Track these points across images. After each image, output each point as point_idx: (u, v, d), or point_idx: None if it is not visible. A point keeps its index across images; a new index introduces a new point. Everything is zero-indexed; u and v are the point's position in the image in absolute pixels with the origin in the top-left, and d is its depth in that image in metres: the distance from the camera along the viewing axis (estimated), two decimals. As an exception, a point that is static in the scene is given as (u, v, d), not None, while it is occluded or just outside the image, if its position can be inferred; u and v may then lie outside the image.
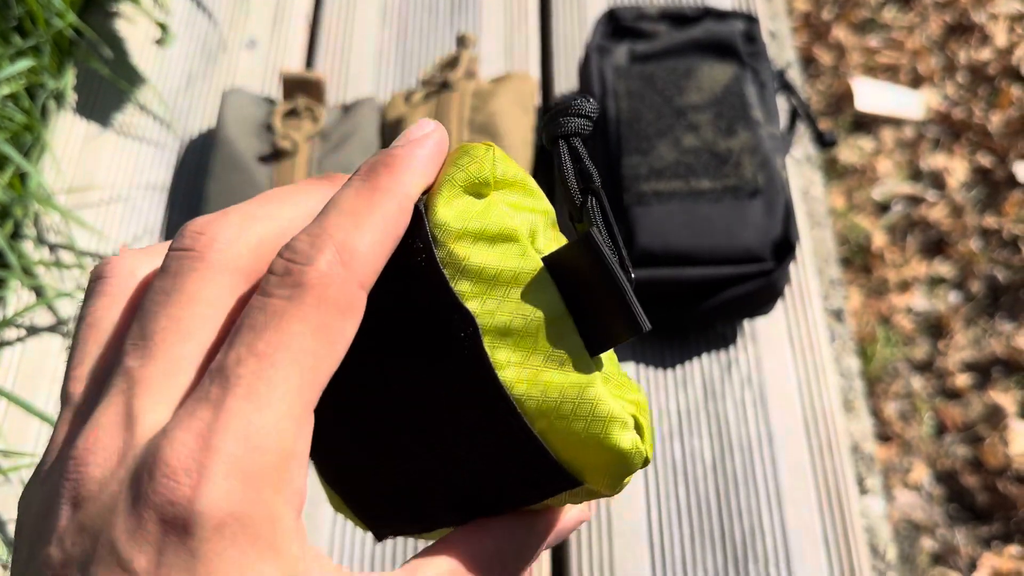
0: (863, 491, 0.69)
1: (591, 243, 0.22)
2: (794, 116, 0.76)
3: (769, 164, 0.67)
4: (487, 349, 0.22)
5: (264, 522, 0.18)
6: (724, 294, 0.66)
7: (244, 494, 0.18)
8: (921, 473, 1.18)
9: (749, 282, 0.66)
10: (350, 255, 0.20)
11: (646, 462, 0.23)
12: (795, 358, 0.70)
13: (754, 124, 0.68)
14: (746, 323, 0.71)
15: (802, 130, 0.87)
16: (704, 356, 0.70)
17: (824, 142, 0.76)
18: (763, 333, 0.71)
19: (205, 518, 0.17)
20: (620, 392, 0.24)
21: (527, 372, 0.22)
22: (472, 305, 0.22)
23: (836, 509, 0.64)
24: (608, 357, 0.24)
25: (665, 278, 0.66)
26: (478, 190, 0.23)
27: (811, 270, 0.74)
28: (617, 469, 0.23)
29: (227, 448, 0.18)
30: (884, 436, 1.19)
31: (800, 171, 0.84)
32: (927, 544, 1.13)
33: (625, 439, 0.22)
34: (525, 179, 0.24)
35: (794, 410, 0.68)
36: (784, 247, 0.65)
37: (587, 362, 0.23)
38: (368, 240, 0.20)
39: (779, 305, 0.71)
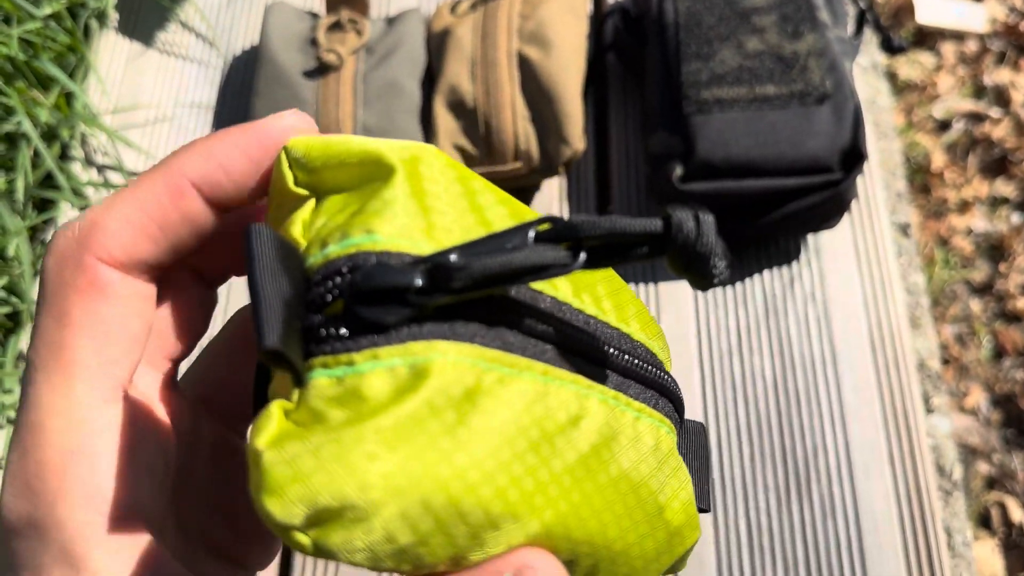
0: (929, 410, 0.67)
1: (247, 238, 0.17)
2: (861, 20, 0.72)
3: (837, 68, 0.64)
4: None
5: (49, 527, 0.18)
6: (788, 207, 0.63)
7: (25, 498, 0.18)
8: (978, 397, 1.16)
9: (815, 194, 0.63)
10: (91, 229, 0.19)
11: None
12: (861, 273, 0.67)
13: (821, 26, 0.65)
14: (810, 237, 0.69)
15: (868, 36, 0.82)
16: (765, 272, 0.68)
17: (893, 48, 0.72)
18: (827, 247, 0.68)
19: (4, 520, 0.18)
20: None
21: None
22: None
23: (902, 427, 0.62)
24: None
25: (726, 190, 0.63)
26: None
27: (878, 182, 0.71)
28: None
29: (11, 455, 0.19)
30: (941, 359, 1.16)
31: (866, 80, 0.80)
32: (983, 468, 1.12)
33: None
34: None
35: (859, 327, 0.66)
36: (853, 156, 0.62)
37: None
38: (116, 216, 0.19)
39: (844, 218, 0.68)
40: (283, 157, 0.19)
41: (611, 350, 0.21)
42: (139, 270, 0.20)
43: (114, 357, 0.19)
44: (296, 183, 0.19)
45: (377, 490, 0.16)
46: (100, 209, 0.19)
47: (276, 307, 0.17)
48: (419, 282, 0.17)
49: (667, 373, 0.23)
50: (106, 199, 0.20)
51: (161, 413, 0.21)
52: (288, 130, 0.20)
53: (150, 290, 0.20)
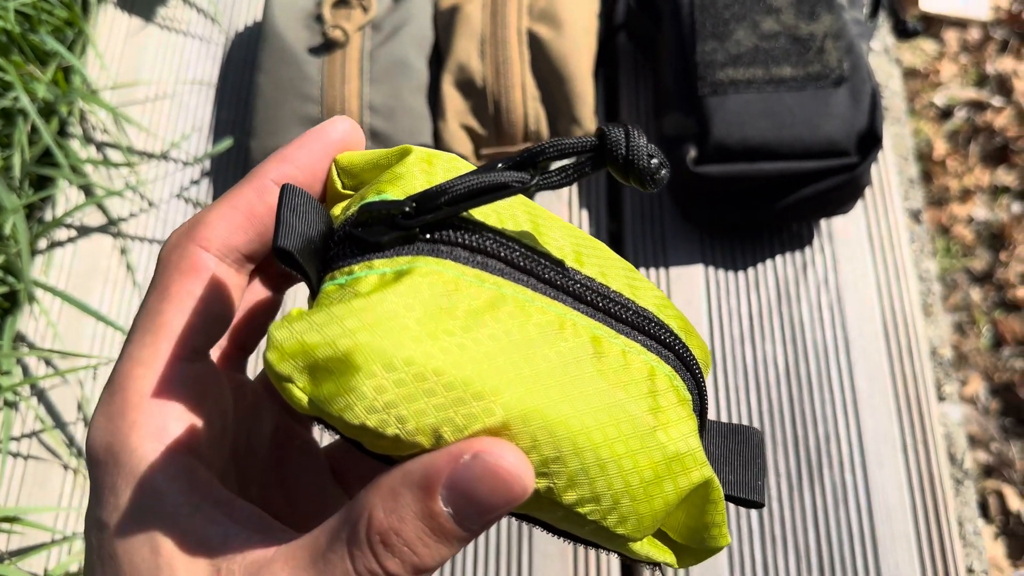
0: (940, 398, 0.67)
1: (281, 190, 0.22)
2: (876, 2, 0.71)
3: (854, 50, 0.63)
4: None
5: (123, 452, 0.22)
6: (803, 191, 0.62)
7: (107, 430, 0.22)
8: (977, 386, 1.16)
9: (831, 178, 0.62)
10: (196, 224, 0.24)
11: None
12: (874, 259, 0.67)
13: (837, 7, 0.64)
14: (823, 222, 0.68)
15: (880, 20, 0.81)
16: (778, 257, 0.67)
17: (907, 31, 0.71)
18: (841, 233, 0.67)
19: (89, 450, 0.23)
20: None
21: None
22: None
23: (915, 415, 0.62)
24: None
25: (740, 174, 0.62)
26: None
27: (892, 167, 0.70)
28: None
29: (101, 396, 0.23)
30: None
31: (878, 64, 0.79)
32: (981, 457, 1.12)
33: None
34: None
35: (873, 314, 0.65)
36: (870, 140, 0.61)
37: None
38: (214, 213, 0.24)
39: (858, 203, 0.68)
40: (333, 169, 0.25)
41: (599, 297, 0.24)
42: (232, 258, 0.24)
43: (197, 327, 0.23)
44: (343, 187, 0.25)
45: (361, 346, 0.20)
46: (203, 211, 0.24)
47: (293, 226, 0.21)
48: (407, 209, 0.21)
49: (674, 334, 0.25)
50: (207, 206, 0.25)
51: (224, 384, 0.25)
52: (343, 133, 0.25)
53: (239, 280, 0.25)
